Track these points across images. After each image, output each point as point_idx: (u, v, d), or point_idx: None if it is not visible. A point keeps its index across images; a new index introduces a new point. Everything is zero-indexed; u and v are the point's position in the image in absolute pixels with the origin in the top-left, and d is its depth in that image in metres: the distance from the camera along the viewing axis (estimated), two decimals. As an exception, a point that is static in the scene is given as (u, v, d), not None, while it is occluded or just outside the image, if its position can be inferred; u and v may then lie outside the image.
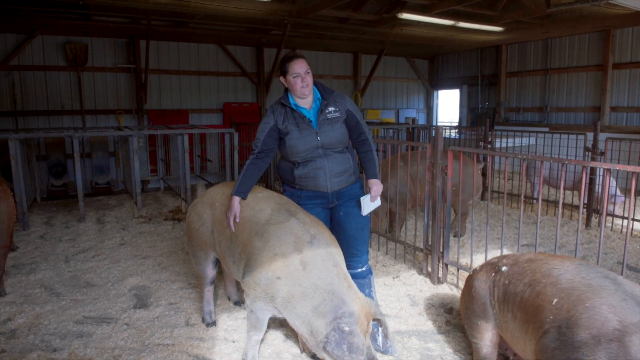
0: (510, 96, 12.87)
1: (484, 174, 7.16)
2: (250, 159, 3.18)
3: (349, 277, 2.73)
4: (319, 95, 3.20)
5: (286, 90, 3.21)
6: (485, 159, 7.55)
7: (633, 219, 5.23)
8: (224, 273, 3.98)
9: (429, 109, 15.64)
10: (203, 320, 3.64)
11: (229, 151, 7.63)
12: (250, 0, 7.86)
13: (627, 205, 6.87)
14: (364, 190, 3.41)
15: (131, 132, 7.20)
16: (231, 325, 3.64)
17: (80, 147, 6.67)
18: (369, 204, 3.28)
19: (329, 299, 2.52)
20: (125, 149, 8.51)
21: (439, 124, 15.17)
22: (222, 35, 11.03)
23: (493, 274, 2.76)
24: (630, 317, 2.02)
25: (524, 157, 3.72)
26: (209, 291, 3.62)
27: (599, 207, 6.41)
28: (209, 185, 4.71)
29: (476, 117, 13.68)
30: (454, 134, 11.34)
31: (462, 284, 4.36)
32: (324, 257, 2.67)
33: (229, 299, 4.03)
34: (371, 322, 2.62)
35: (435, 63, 15.16)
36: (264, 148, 3.16)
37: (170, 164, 9.49)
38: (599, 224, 6.41)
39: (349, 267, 3.26)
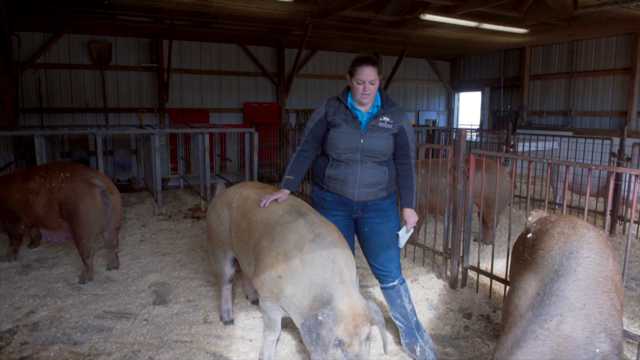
0: (533, 99, 12.67)
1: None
2: (297, 151, 3.19)
3: (346, 274, 2.59)
4: (379, 103, 3.10)
5: (348, 87, 3.14)
6: (507, 162, 7.44)
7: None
8: (242, 272, 3.99)
9: (450, 111, 15.50)
10: (221, 318, 3.66)
11: (249, 151, 7.66)
12: (273, 1, 7.89)
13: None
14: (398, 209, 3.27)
15: (153, 131, 7.28)
16: (249, 324, 3.64)
17: (103, 144, 6.76)
18: (405, 236, 3.19)
19: (321, 293, 2.49)
20: (146, 147, 8.62)
21: (459, 126, 15.00)
22: (243, 36, 11.11)
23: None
24: None
25: (549, 161, 3.64)
26: (227, 289, 3.63)
27: (623, 214, 6.25)
28: (228, 184, 4.74)
29: (498, 120, 13.50)
30: (474, 136, 11.21)
31: (482, 289, 4.29)
32: (323, 254, 2.62)
33: (247, 297, 4.04)
34: (366, 325, 2.42)
35: (457, 65, 15.01)
36: (310, 138, 3.14)
37: (190, 162, 9.57)
38: (624, 231, 6.26)
39: (379, 281, 3.27)
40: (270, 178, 9.52)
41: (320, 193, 3.23)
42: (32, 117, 9.90)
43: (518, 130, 11.27)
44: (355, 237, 3.32)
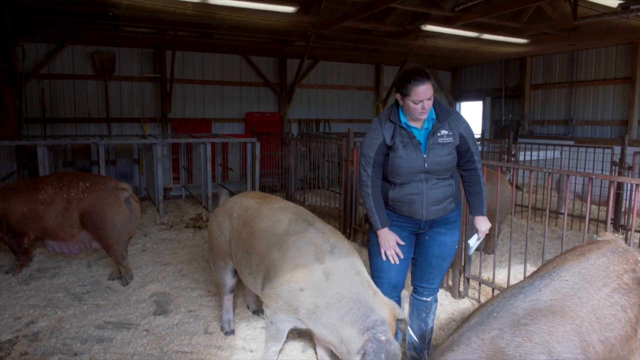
0: (534, 109, 12.69)
1: (517, 187, 7.05)
2: (364, 187, 2.89)
3: (373, 283, 2.70)
4: (433, 115, 2.86)
5: (397, 103, 2.89)
6: (509, 172, 7.44)
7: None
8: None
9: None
10: (222, 328, 3.65)
11: (251, 160, 7.68)
12: (275, 12, 7.95)
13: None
14: (469, 222, 3.23)
15: (155, 140, 7.31)
16: (249, 335, 3.63)
17: (106, 154, 6.80)
18: (475, 243, 3.07)
19: (355, 307, 2.53)
20: (149, 156, 8.65)
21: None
22: (246, 46, 11.19)
23: None
24: None
25: (551, 170, 3.64)
26: (228, 300, 3.63)
27: (625, 223, 6.24)
28: (231, 193, 4.76)
29: (499, 130, 13.51)
30: (476, 146, 11.20)
31: (483, 299, 4.28)
32: (347, 266, 2.66)
33: (248, 307, 4.03)
34: (395, 322, 2.65)
35: (458, 75, 15.07)
36: (376, 167, 2.87)
37: (192, 172, 9.60)
38: (626, 239, 6.24)
39: (415, 291, 3.14)
40: (272, 188, 9.53)
41: (386, 212, 2.99)
42: (35, 127, 9.95)
43: (519, 140, 11.28)
44: None
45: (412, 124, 2.85)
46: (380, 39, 10.66)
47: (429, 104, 2.74)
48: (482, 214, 3.00)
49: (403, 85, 2.73)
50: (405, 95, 2.73)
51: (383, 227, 2.86)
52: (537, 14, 9.51)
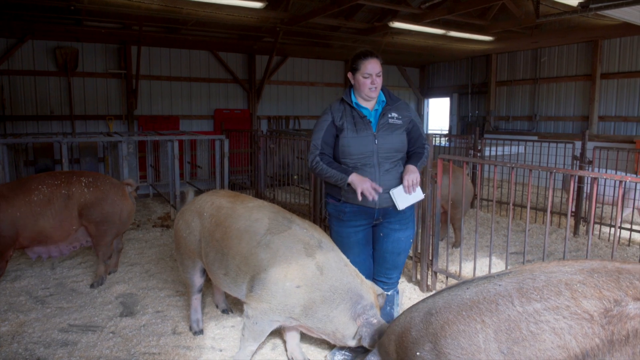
0: (500, 105, 12.98)
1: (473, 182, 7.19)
2: (312, 157, 2.98)
3: (358, 272, 2.83)
4: (383, 98, 3.03)
5: (350, 87, 3.05)
6: (474, 167, 7.59)
7: (620, 227, 5.27)
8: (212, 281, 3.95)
9: (420, 116, 15.73)
10: (190, 328, 3.61)
11: (219, 158, 7.60)
12: (243, 8, 7.87)
13: (614, 213, 6.93)
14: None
15: (121, 138, 7.15)
16: (219, 334, 3.60)
17: (69, 152, 6.61)
18: (404, 196, 2.92)
19: (347, 297, 2.67)
20: (114, 154, 8.45)
21: (429, 132, 15.24)
22: (214, 42, 11.05)
23: None
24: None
25: (513, 165, 3.74)
26: (196, 299, 3.58)
27: (586, 215, 6.45)
28: (198, 191, 4.70)
29: (466, 126, 13.76)
30: (444, 142, 11.40)
31: (451, 292, 4.36)
32: (336, 258, 2.78)
33: (217, 306, 3.99)
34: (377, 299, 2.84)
35: (426, 71, 15.27)
36: (324, 146, 2.97)
37: (159, 170, 9.43)
38: (587, 231, 6.46)
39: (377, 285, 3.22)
40: (242, 185, 9.45)
41: (337, 205, 3.07)
42: (-7, 125, 9.59)
43: (485, 135, 11.52)
44: None
45: (362, 104, 3.00)
46: (349, 35, 10.70)
47: (378, 80, 2.91)
48: (413, 164, 2.99)
49: (354, 61, 2.94)
50: (356, 70, 2.92)
51: (349, 174, 2.87)
52: (502, 12, 9.72)
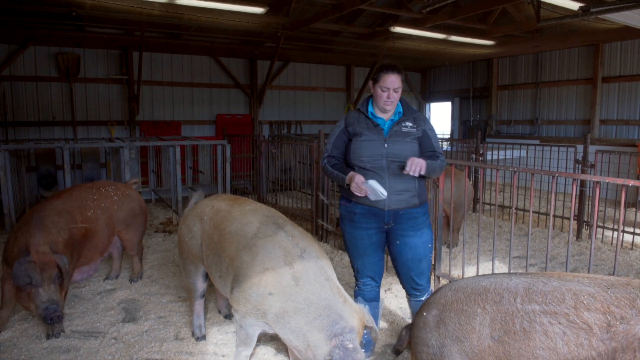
0: (501, 109, 12.98)
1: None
2: (323, 161, 3.12)
3: (343, 290, 2.70)
4: (400, 110, 3.09)
5: (370, 96, 3.13)
6: (476, 172, 7.58)
7: (623, 231, 5.25)
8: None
9: (422, 121, 15.71)
10: (192, 334, 3.60)
11: (221, 163, 7.61)
12: (244, 13, 7.90)
13: (617, 217, 6.91)
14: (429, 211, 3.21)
15: (123, 143, 7.16)
16: (221, 340, 3.59)
17: (71, 158, 6.62)
18: (376, 191, 2.78)
19: (324, 314, 2.51)
20: (116, 160, 8.46)
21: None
22: (215, 47, 11.08)
23: None
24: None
25: (515, 169, 3.73)
26: (199, 304, 3.58)
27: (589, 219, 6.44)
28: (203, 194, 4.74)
29: (468, 130, 13.76)
30: (445, 146, 11.40)
31: (454, 297, 4.34)
32: (316, 271, 2.64)
33: (220, 312, 3.98)
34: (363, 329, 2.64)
35: (428, 76, 15.29)
36: (334, 150, 3.09)
37: (161, 175, 9.43)
38: (590, 235, 6.44)
39: (407, 293, 3.25)
40: (244, 190, 9.45)
41: (348, 206, 3.11)
42: (-4, 131, 9.62)
43: (487, 139, 11.52)
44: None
45: (378, 114, 3.06)
46: (350, 40, 10.72)
47: (395, 95, 2.97)
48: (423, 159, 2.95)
49: (377, 72, 3.02)
50: (376, 81, 3.00)
51: (348, 174, 2.95)
52: (503, 17, 9.74)
